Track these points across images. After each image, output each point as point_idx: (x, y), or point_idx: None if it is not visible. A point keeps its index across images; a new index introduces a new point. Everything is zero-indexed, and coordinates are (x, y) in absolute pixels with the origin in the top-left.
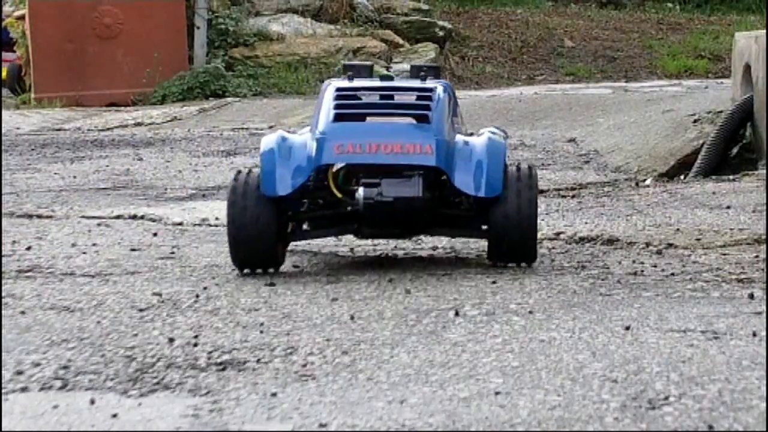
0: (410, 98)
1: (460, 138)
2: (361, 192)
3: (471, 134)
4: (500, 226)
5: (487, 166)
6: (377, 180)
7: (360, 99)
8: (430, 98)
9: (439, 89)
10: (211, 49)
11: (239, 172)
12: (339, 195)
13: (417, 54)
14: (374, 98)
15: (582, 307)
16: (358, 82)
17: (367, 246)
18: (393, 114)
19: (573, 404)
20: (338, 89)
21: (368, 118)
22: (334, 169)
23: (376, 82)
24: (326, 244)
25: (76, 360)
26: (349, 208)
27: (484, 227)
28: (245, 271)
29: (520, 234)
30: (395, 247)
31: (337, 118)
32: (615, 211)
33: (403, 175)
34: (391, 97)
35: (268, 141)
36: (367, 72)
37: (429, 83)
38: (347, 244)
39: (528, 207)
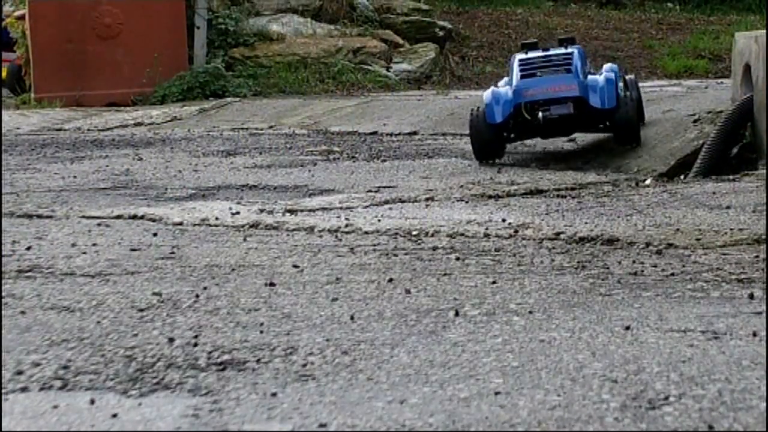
0: (560, 59)
1: (590, 77)
2: (540, 114)
3: (595, 73)
4: (617, 124)
5: (606, 91)
6: (548, 107)
7: (533, 63)
8: (571, 58)
9: (575, 52)
10: (211, 49)
11: (475, 109)
12: (528, 117)
13: (417, 54)
14: (540, 62)
15: (582, 307)
16: (531, 53)
17: (367, 246)
18: (551, 70)
19: (573, 404)
20: (520, 60)
21: (538, 73)
22: (523, 103)
23: (540, 53)
24: (326, 244)
25: (76, 360)
26: (535, 124)
27: (608, 125)
28: (483, 161)
29: (628, 127)
30: (395, 247)
31: (522, 77)
32: (615, 211)
33: (561, 102)
34: (550, 60)
35: (487, 94)
36: (534, 46)
37: (569, 49)
38: (347, 244)
39: (632, 111)
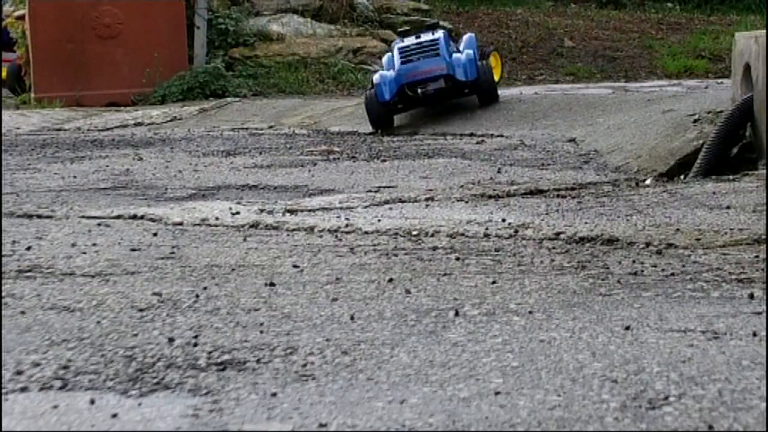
0: (430, 45)
1: (454, 56)
2: (419, 91)
3: (459, 51)
4: (480, 90)
5: (468, 66)
6: (425, 85)
7: (410, 49)
8: (438, 42)
9: (441, 36)
10: (211, 49)
11: (368, 89)
12: (410, 94)
13: None
14: (415, 49)
15: (582, 307)
16: (406, 41)
17: (367, 246)
18: (425, 55)
19: (573, 404)
20: (399, 48)
21: (413, 58)
22: (405, 84)
23: (413, 39)
24: (326, 244)
25: (76, 360)
26: (416, 98)
27: (473, 94)
28: (377, 130)
29: (489, 92)
30: (395, 247)
31: (402, 62)
32: (615, 211)
33: (434, 80)
34: (422, 46)
35: (377, 76)
36: (408, 33)
37: (436, 34)
38: (347, 244)
39: (490, 78)
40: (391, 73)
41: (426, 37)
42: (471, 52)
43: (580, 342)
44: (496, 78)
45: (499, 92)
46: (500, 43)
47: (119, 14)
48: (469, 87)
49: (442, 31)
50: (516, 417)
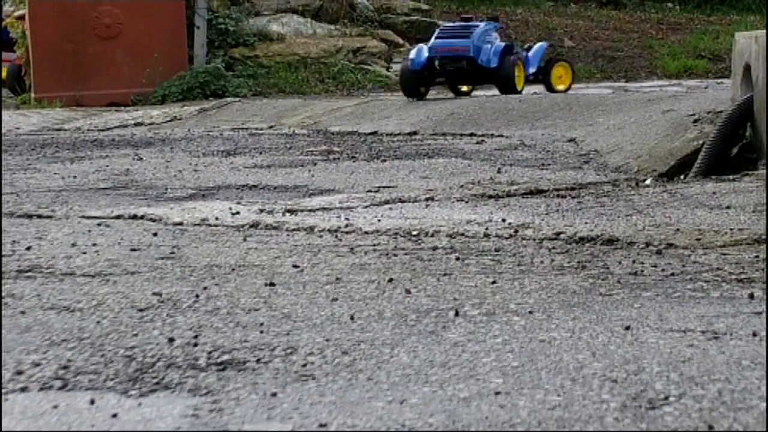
0: (466, 28)
1: (485, 45)
2: (445, 67)
3: (491, 43)
4: (497, 80)
5: (494, 54)
6: (449, 61)
7: (449, 29)
8: (474, 27)
9: (482, 24)
10: (211, 49)
11: (404, 61)
12: (438, 68)
13: None
14: (453, 29)
15: (582, 307)
16: (449, 24)
17: (367, 246)
18: (458, 35)
19: (573, 404)
20: (442, 26)
21: (448, 36)
22: (434, 57)
23: (455, 24)
24: (326, 244)
25: (76, 360)
26: (441, 72)
27: (492, 83)
28: (409, 97)
29: (507, 82)
30: (395, 247)
31: (437, 38)
32: (615, 211)
33: (458, 60)
34: (461, 28)
35: (414, 49)
36: (468, 19)
37: (481, 22)
38: (347, 244)
39: (511, 72)
40: (425, 46)
41: (470, 23)
42: (502, 45)
43: (580, 342)
44: (563, 87)
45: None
46: None
47: (119, 14)
48: (489, 75)
49: (493, 23)
50: (516, 417)
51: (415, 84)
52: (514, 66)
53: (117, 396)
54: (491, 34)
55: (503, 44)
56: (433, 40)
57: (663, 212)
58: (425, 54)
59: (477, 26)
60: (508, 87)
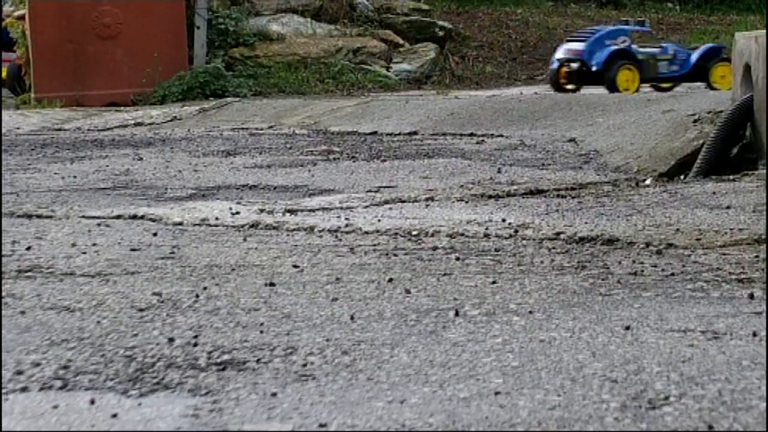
0: (589, 33)
1: (598, 51)
2: (568, 67)
3: (613, 48)
4: (605, 81)
5: (599, 58)
6: (569, 62)
7: (578, 34)
8: (595, 32)
9: (604, 29)
10: (211, 49)
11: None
12: (565, 67)
13: (417, 54)
14: (581, 33)
15: (582, 307)
16: (580, 31)
17: (367, 246)
18: (581, 39)
19: (573, 404)
20: (577, 31)
21: (574, 40)
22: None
23: (584, 30)
24: (326, 244)
25: (76, 360)
26: (566, 71)
27: (598, 84)
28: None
29: (611, 84)
30: (395, 247)
31: (566, 41)
32: (615, 211)
33: (574, 61)
34: (586, 33)
35: (558, 50)
36: (627, 23)
37: (601, 27)
38: (347, 244)
39: (612, 78)
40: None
41: (600, 27)
42: (614, 50)
43: (580, 342)
44: (724, 88)
45: (499, 92)
46: (500, 43)
47: (119, 14)
48: (597, 76)
49: (628, 26)
50: (516, 417)
51: (555, 80)
52: (617, 72)
53: (117, 396)
54: (617, 37)
55: (612, 48)
56: (561, 45)
57: (663, 212)
58: (557, 53)
59: (599, 29)
60: (611, 87)
